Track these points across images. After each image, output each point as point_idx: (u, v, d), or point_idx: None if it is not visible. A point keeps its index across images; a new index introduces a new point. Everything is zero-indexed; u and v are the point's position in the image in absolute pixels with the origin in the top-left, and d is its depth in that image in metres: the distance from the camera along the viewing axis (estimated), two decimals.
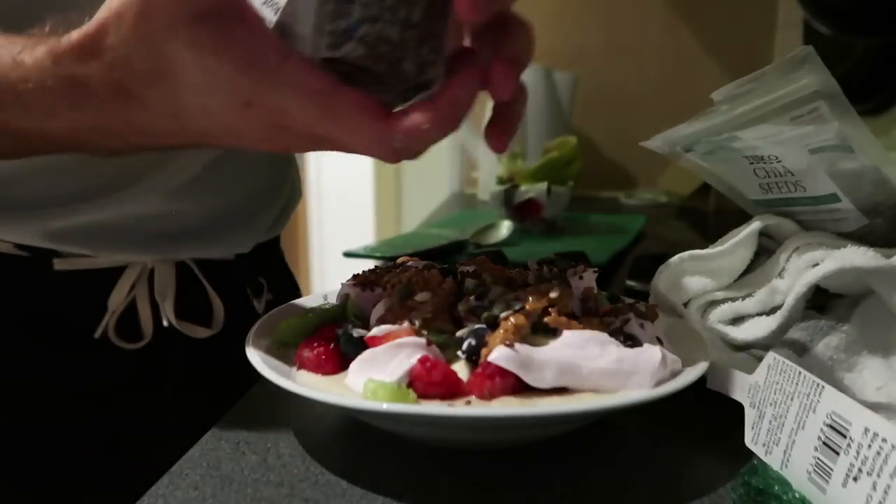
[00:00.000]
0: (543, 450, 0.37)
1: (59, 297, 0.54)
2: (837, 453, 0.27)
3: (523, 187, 0.96)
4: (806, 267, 0.43)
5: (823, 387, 0.29)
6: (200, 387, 0.58)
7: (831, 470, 0.27)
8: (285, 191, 0.67)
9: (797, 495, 0.29)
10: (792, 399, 0.30)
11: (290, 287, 0.73)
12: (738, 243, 0.48)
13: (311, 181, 3.38)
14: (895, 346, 0.39)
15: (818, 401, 0.29)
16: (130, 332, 0.56)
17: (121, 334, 0.55)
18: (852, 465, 0.26)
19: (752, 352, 0.44)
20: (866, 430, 0.26)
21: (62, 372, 0.54)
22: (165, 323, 0.56)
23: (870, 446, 0.26)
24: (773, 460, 0.31)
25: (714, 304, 0.48)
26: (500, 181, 1.01)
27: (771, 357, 0.31)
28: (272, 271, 0.69)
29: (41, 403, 0.54)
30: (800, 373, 0.30)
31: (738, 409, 0.36)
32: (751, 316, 0.46)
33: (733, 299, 0.47)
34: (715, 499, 0.33)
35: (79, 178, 0.51)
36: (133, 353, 0.56)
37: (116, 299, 0.55)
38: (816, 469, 0.28)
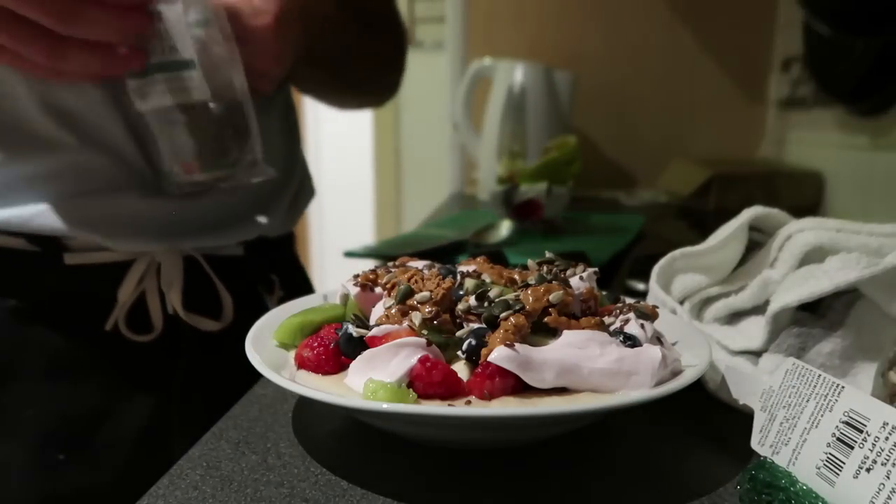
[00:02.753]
0: (543, 450, 0.37)
1: (70, 290, 0.55)
2: (851, 447, 0.27)
3: (523, 187, 0.96)
4: (799, 252, 0.43)
5: (843, 387, 0.29)
6: (209, 383, 0.59)
7: (843, 464, 0.27)
8: (293, 185, 0.68)
9: (804, 487, 0.29)
10: (808, 401, 0.30)
11: (303, 285, 0.74)
12: (729, 237, 0.48)
13: None
14: (889, 351, 0.39)
15: (836, 400, 0.29)
16: (141, 325, 0.57)
17: (131, 327, 0.57)
18: (866, 457, 0.26)
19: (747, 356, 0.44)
20: (885, 423, 0.26)
21: (74, 361, 0.56)
22: (171, 311, 0.58)
23: (887, 438, 0.26)
24: (781, 459, 0.31)
25: (709, 300, 0.48)
26: (500, 181, 1.01)
27: (790, 362, 0.31)
28: (284, 269, 0.70)
29: (54, 385, 0.55)
30: (819, 375, 0.30)
31: (739, 408, 0.36)
32: (745, 313, 0.46)
33: (727, 294, 0.47)
34: (715, 499, 0.33)
35: (105, 175, 0.54)
36: (143, 347, 0.57)
37: (126, 291, 0.56)
38: (827, 464, 0.28)
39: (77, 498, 0.54)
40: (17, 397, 0.54)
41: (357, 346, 0.37)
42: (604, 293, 0.44)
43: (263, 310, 0.63)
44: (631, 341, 0.37)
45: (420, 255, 0.49)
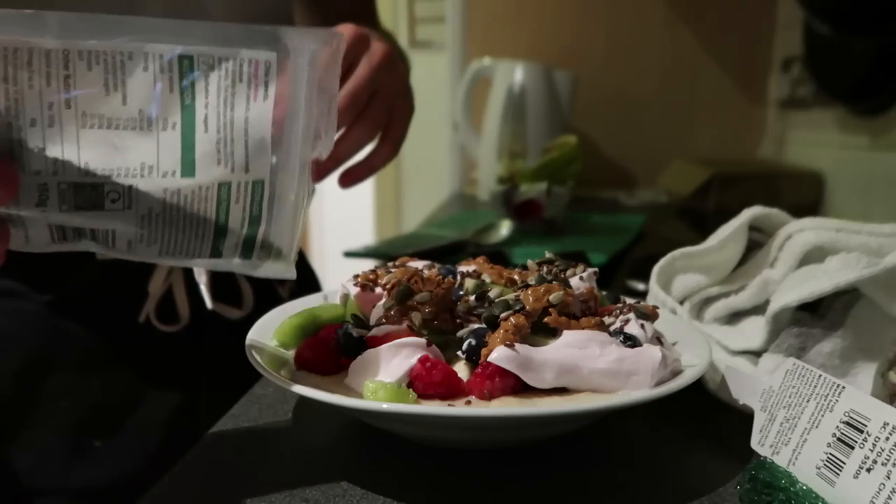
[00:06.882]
0: (543, 450, 0.37)
1: (103, 285, 0.59)
2: (852, 447, 0.27)
3: (523, 187, 0.96)
4: (799, 252, 0.43)
5: (844, 387, 0.29)
6: (232, 369, 0.61)
7: (843, 464, 0.27)
8: None
9: (805, 487, 0.29)
10: (808, 401, 0.30)
11: (310, 279, 0.80)
12: (728, 237, 0.48)
13: None
14: (889, 351, 0.39)
15: (836, 400, 0.29)
16: (168, 317, 0.62)
17: (160, 318, 0.61)
18: (867, 457, 0.26)
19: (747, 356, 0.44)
20: (885, 424, 0.26)
21: (108, 352, 0.59)
22: (209, 305, 0.61)
23: (888, 438, 0.26)
24: (781, 460, 0.31)
25: (709, 300, 0.48)
26: (500, 181, 1.01)
27: (790, 362, 0.31)
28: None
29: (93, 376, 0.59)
30: (819, 376, 0.30)
31: (739, 408, 0.36)
32: (745, 313, 0.46)
33: (727, 294, 0.47)
34: (715, 499, 0.33)
35: None
36: (171, 337, 0.61)
37: (156, 284, 0.60)
38: (827, 464, 0.28)
39: (113, 483, 0.57)
40: (54, 387, 0.57)
41: (357, 346, 0.37)
42: (604, 293, 0.44)
43: (277, 299, 0.69)
44: (631, 341, 0.37)
45: (420, 255, 0.49)
